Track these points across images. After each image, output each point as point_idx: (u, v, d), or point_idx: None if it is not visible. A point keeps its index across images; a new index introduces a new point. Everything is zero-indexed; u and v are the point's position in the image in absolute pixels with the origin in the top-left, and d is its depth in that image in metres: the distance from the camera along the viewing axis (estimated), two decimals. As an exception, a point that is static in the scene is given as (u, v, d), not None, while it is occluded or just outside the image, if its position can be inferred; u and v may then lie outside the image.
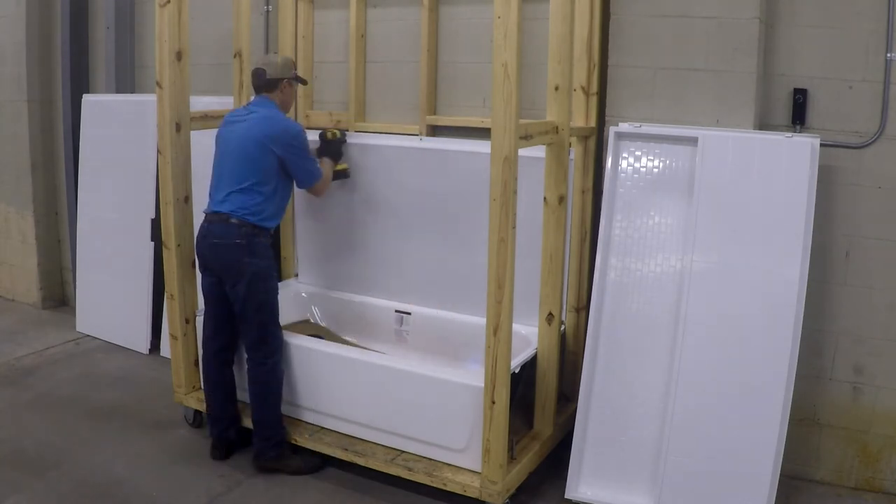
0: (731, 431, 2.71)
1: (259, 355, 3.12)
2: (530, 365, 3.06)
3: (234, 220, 3.06)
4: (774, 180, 2.79)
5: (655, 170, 3.00)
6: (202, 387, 3.36)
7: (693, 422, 2.75)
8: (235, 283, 3.07)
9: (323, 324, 3.96)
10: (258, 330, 3.10)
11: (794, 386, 3.11)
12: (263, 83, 3.19)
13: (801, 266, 2.73)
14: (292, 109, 4.02)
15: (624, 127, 3.05)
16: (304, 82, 3.42)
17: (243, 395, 3.30)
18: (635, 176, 3.03)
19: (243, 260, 3.05)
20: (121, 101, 4.58)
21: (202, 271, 3.20)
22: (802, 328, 3.07)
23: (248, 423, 3.24)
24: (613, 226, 3.03)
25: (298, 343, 3.28)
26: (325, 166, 3.48)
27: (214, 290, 3.17)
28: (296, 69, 3.36)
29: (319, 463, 3.15)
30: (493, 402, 2.69)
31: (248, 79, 3.72)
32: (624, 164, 3.05)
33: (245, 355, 3.18)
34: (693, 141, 2.91)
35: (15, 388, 3.93)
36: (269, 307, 3.14)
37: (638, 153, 3.03)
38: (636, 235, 3.00)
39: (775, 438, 2.67)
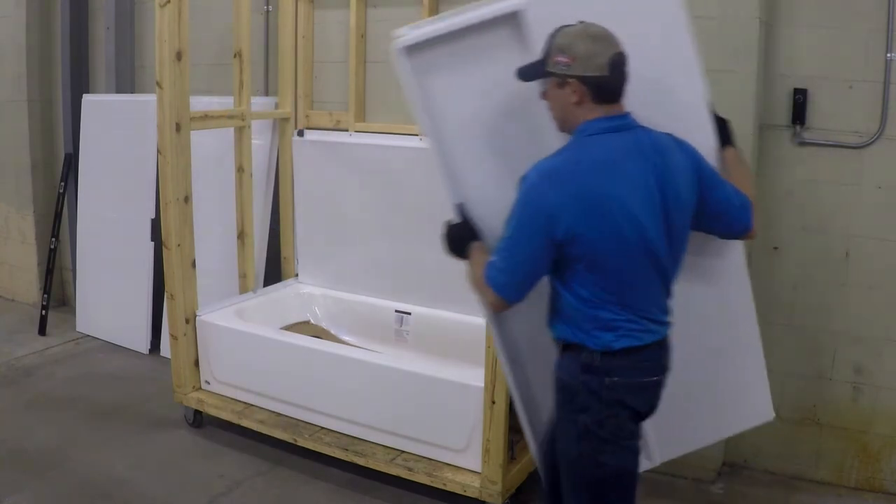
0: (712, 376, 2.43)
1: None
2: (530, 365, 3.06)
3: None
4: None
5: None
6: None
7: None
8: None
9: (323, 324, 3.96)
10: None
11: (794, 386, 3.12)
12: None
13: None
14: (292, 111, 4.02)
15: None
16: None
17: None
18: None
19: None
20: (121, 101, 4.58)
21: None
22: (802, 328, 3.09)
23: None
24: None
25: (298, 343, 3.28)
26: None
27: None
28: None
29: None
30: (493, 402, 2.69)
31: (248, 78, 3.71)
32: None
33: None
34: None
35: (15, 388, 3.93)
36: None
37: None
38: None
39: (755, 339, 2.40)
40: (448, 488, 2.84)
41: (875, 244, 2.96)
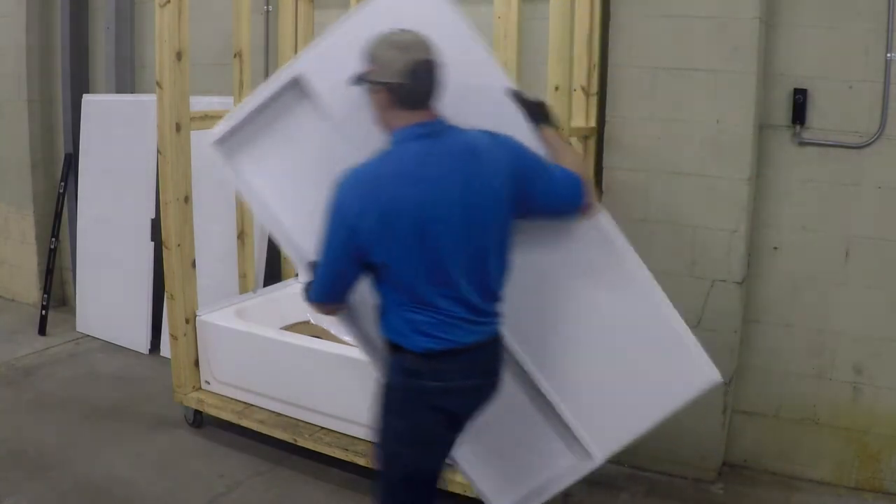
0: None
1: None
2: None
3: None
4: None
5: None
6: None
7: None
8: None
9: (323, 324, 3.96)
10: None
11: (794, 385, 3.13)
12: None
13: None
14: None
15: None
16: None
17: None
18: None
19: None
20: (121, 101, 4.58)
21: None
22: (802, 328, 3.08)
23: None
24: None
25: (298, 343, 3.28)
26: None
27: None
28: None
29: None
30: (494, 403, 2.69)
31: (248, 78, 3.71)
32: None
33: None
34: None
35: (15, 388, 3.93)
36: None
37: None
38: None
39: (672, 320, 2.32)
40: (448, 488, 2.84)
41: (875, 244, 2.96)
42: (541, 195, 2.02)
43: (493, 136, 1.98)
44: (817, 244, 3.03)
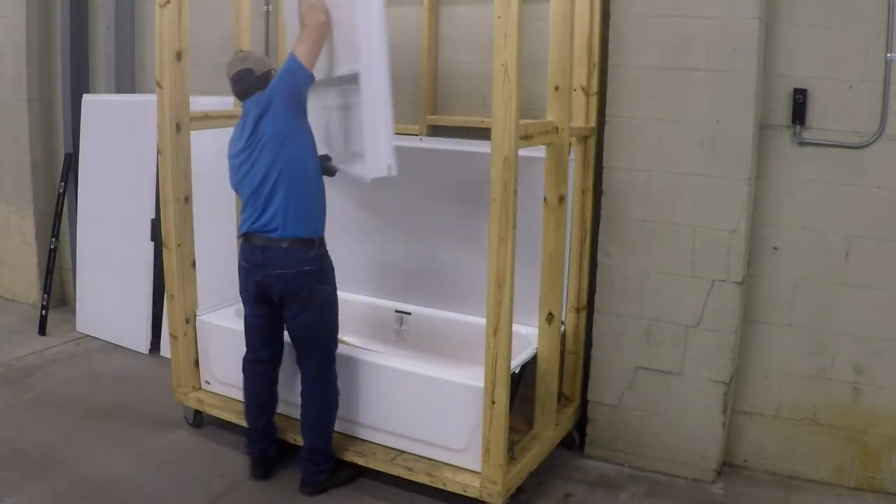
0: None
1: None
2: (530, 365, 3.06)
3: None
4: None
5: None
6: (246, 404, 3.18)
7: None
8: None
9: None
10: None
11: (794, 386, 3.13)
12: (258, 82, 2.96)
13: None
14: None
15: None
16: None
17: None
18: None
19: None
20: (121, 101, 4.58)
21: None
22: (802, 328, 3.08)
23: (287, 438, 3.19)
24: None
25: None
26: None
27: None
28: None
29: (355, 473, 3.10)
30: (493, 402, 2.69)
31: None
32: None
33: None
34: None
35: (15, 388, 3.93)
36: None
37: None
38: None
39: None
40: (448, 488, 2.84)
41: (875, 244, 2.96)
42: (280, 93, 2.88)
43: (269, 89, 2.90)
44: (817, 244, 3.03)
